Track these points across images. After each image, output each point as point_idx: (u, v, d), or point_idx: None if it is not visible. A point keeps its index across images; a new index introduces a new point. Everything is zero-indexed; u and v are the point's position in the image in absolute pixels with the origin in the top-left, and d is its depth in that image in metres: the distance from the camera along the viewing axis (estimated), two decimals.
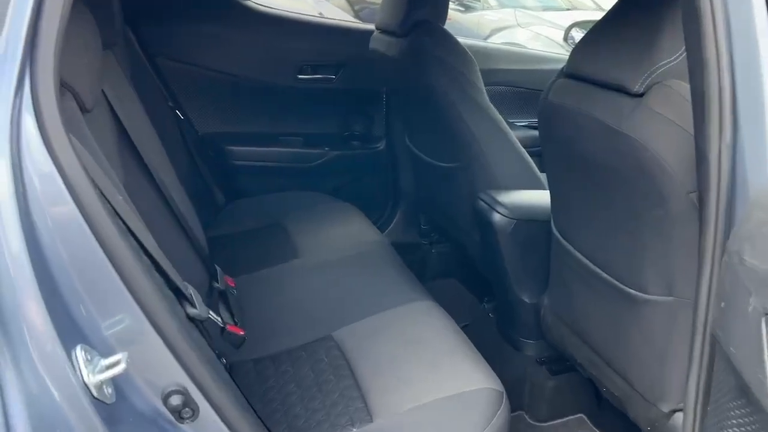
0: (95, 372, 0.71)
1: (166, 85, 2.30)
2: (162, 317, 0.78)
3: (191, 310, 0.90)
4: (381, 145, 2.62)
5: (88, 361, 0.71)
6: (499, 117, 1.95)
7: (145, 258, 0.85)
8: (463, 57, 1.89)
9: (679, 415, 1.31)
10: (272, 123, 2.53)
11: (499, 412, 1.28)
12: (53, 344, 0.68)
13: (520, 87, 2.69)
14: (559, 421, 1.90)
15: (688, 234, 1.18)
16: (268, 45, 2.42)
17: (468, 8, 6.80)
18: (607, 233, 1.40)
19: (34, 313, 0.67)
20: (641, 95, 1.20)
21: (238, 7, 2.39)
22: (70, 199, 0.71)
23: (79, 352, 0.70)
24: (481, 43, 3.24)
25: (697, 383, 1.10)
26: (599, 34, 1.36)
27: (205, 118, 2.45)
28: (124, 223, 0.84)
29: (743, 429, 0.89)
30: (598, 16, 1.39)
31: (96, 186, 0.79)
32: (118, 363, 0.72)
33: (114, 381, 0.74)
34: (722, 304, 0.94)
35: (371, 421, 1.27)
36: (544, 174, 2.04)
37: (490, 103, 1.93)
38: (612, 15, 1.34)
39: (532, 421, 1.91)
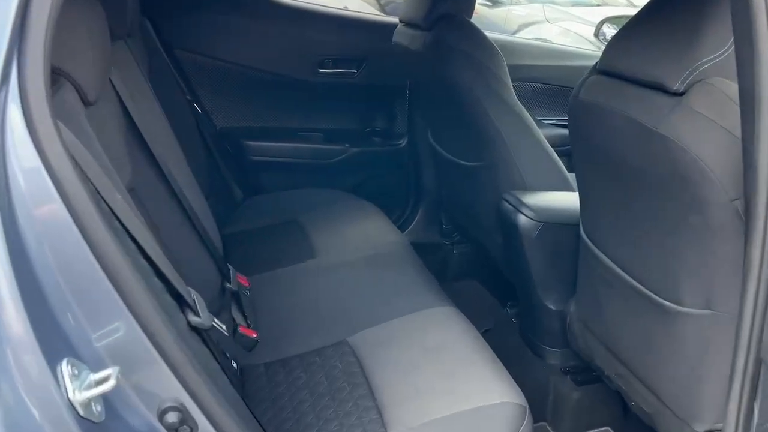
0: (82, 388, 0.65)
1: (184, 77, 2.25)
2: (159, 327, 0.72)
3: (193, 319, 0.84)
4: (403, 142, 2.55)
5: (75, 376, 0.65)
6: (527, 114, 1.87)
7: (143, 262, 0.79)
8: (490, 51, 1.81)
9: None
10: (292, 118, 2.48)
11: (521, 428, 1.21)
12: (35, 357, 0.62)
13: (548, 83, 2.60)
14: None
15: (729, 244, 1.10)
16: (288, 38, 2.36)
17: (495, 3, 6.68)
18: (640, 240, 1.32)
19: (14, 321, 0.61)
20: (681, 94, 1.11)
21: None
22: (57, 196, 0.65)
23: (65, 366, 0.64)
24: (508, 38, 3.15)
25: (738, 404, 1.02)
26: (636, 28, 1.28)
27: (224, 112, 2.40)
28: (122, 224, 0.78)
29: None
30: (631, 12, 1.32)
31: (90, 183, 0.73)
32: (108, 378, 0.66)
33: (104, 397, 0.68)
34: None
35: None
36: (573, 174, 1.96)
37: (517, 100, 1.85)
38: (649, 8, 1.26)
39: None
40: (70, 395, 0.63)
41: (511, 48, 2.54)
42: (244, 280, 1.75)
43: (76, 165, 0.71)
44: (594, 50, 3.42)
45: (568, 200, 1.74)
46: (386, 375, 1.35)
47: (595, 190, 1.46)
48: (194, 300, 0.89)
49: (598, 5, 6.35)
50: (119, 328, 0.70)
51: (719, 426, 1.19)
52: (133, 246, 0.79)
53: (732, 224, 1.08)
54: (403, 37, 2.04)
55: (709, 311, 1.20)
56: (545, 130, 2.45)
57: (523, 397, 1.31)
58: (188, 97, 2.21)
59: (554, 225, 1.70)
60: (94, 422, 0.66)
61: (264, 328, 1.59)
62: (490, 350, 1.45)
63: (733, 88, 1.02)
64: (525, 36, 5.40)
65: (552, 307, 1.77)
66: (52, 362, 0.64)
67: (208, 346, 0.91)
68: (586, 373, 1.79)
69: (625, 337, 1.45)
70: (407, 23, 2.05)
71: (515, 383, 1.34)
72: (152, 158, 1.30)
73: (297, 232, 2.05)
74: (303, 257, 1.89)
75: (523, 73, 2.52)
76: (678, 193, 1.15)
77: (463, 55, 1.78)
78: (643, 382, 1.40)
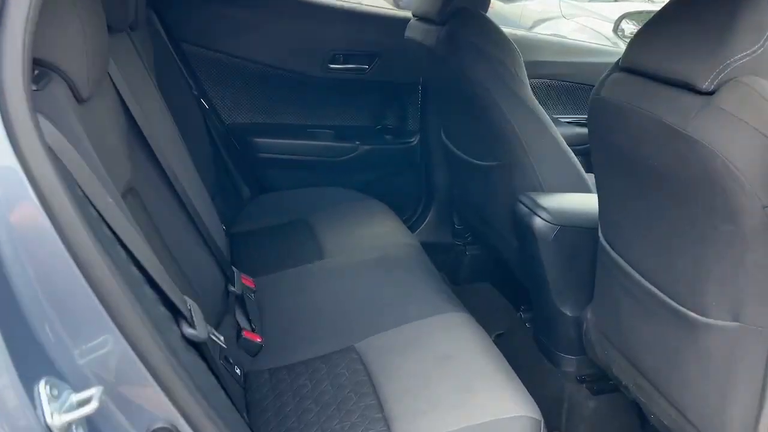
0: (62, 410, 0.60)
1: (191, 72, 2.20)
2: (148, 342, 0.66)
3: (188, 331, 0.79)
4: (415, 140, 2.49)
5: (54, 398, 0.60)
6: (543, 112, 1.80)
7: (135, 271, 0.74)
8: (506, 47, 1.74)
9: None
10: (301, 114, 2.43)
11: None
12: (9, 376, 0.57)
13: (565, 80, 2.53)
14: None
15: (761, 254, 1.03)
16: (298, 32, 2.31)
17: None
18: (663, 247, 1.25)
19: None
20: (711, 93, 1.04)
21: None
22: (35, 198, 0.60)
23: (43, 387, 0.59)
24: (525, 33, 3.08)
25: None
26: (662, 22, 1.20)
27: (232, 109, 2.35)
28: (112, 230, 0.73)
29: None
30: (650, 7, 1.25)
31: (76, 186, 0.68)
32: (91, 399, 0.61)
33: (88, 419, 0.63)
34: None
35: None
36: (591, 175, 1.89)
37: (533, 98, 1.79)
38: (676, 1, 1.19)
39: None
40: (48, 419, 0.58)
41: (528, 44, 2.47)
42: (249, 282, 1.70)
43: (60, 165, 0.65)
44: (612, 46, 3.35)
45: (586, 202, 1.68)
46: (395, 385, 1.29)
47: (616, 193, 1.39)
48: (190, 310, 0.83)
49: (616, 0, 6.23)
50: (104, 344, 0.64)
51: None
52: (123, 254, 0.74)
53: (764, 233, 1.01)
54: (416, 32, 1.98)
55: (737, 324, 1.13)
56: (562, 128, 2.39)
57: (537, 410, 1.25)
58: (195, 93, 2.16)
59: (571, 228, 1.63)
60: None
61: (269, 331, 1.54)
62: (504, 360, 1.39)
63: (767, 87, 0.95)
64: (541, 32, 5.31)
65: (568, 313, 1.70)
66: (29, 383, 0.58)
67: (204, 359, 0.86)
68: (602, 381, 1.73)
69: (645, 348, 1.38)
70: (420, 18, 1.98)
71: (529, 395, 1.29)
72: (153, 156, 1.25)
73: (305, 231, 2.00)
74: (311, 258, 1.84)
75: (540, 70, 2.46)
76: (706, 198, 1.08)
77: (477, 50, 1.71)
78: (665, 396, 1.33)
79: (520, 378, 1.39)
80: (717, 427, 1.19)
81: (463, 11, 1.79)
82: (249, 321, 1.49)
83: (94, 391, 0.61)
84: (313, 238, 1.95)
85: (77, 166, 0.71)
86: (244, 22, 2.26)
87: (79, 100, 0.88)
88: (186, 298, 0.85)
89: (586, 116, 2.59)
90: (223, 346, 0.88)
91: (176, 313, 0.80)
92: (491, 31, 1.76)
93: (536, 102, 1.80)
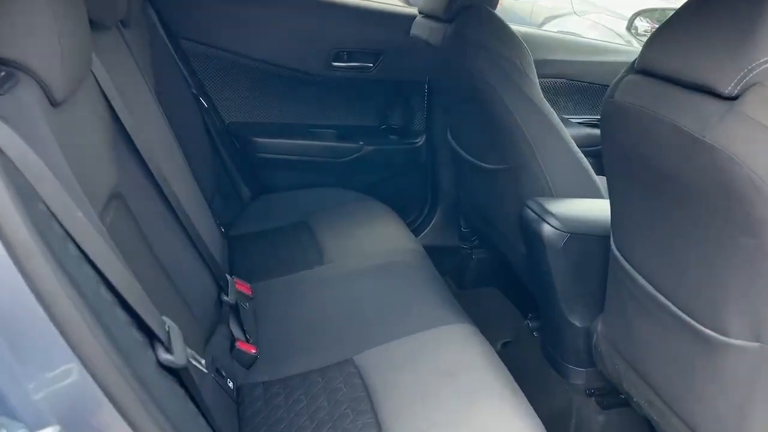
0: None
1: (190, 70, 2.14)
2: (113, 375, 0.60)
3: (165, 357, 0.73)
4: (420, 141, 2.42)
5: None
6: (554, 113, 1.73)
7: (104, 292, 0.68)
8: (515, 46, 1.67)
9: None
10: (303, 114, 2.36)
11: None
12: None
13: (577, 80, 2.45)
14: None
15: None
16: (301, 29, 2.24)
17: None
18: (679, 260, 1.18)
19: None
20: (734, 98, 0.97)
21: None
22: None
23: None
24: (536, 31, 3.00)
25: None
26: (681, 22, 1.13)
27: (232, 107, 2.29)
28: (79, 247, 0.67)
29: None
30: (666, 4, 1.17)
31: (38, 199, 0.62)
32: None
33: None
34: None
35: None
36: (603, 178, 1.82)
37: (543, 98, 1.71)
38: (695, 4, 1.11)
39: None
40: None
41: (538, 42, 2.40)
42: (246, 288, 1.64)
43: (18, 179, 0.59)
44: (625, 45, 3.26)
45: (597, 209, 1.61)
46: (394, 402, 1.23)
47: (630, 201, 1.32)
48: (168, 333, 0.77)
49: None
50: (63, 377, 0.58)
51: None
52: (92, 273, 0.67)
53: None
54: (421, 29, 1.91)
55: (758, 344, 1.06)
56: (573, 129, 2.32)
57: (542, 428, 1.19)
58: (194, 91, 2.10)
59: (582, 236, 1.56)
60: None
61: (265, 342, 1.48)
62: (508, 375, 1.32)
63: None
64: (551, 29, 5.22)
65: (577, 324, 1.64)
66: None
67: (184, 386, 0.79)
68: (612, 396, 1.66)
69: (659, 365, 1.31)
70: (426, 15, 1.91)
71: (534, 413, 1.23)
72: (142, 160, 1.19)
73: (306, 235, 1.94)
74: (311, 263, 1.78)
75: (550, 69, 2.38)
76: (727, 210, 1.01)
77: (485, 49, 1.64)
78: (679, 415, 1.26)
79: (526, 389, 1.33)
80: None
81: (470, 8, 1.71)
82: (243, 331, 1.43)
83: (50, 431, 0.55)
84: (314, 242, 1.89)
85: (42, 179, 0.65)
86: (246, 18, 2.19)
87: (53, 103, 0.82)
88: (165, 319, 0.79)
89: (597, 117, 2.52)
90: (204, 371, 0.82)
91: (152, 337, 0.74)
92: (500, 28, 1.69)
93: (546, 102, 1.72)
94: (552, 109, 1.73)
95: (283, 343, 1.47)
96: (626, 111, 1.20)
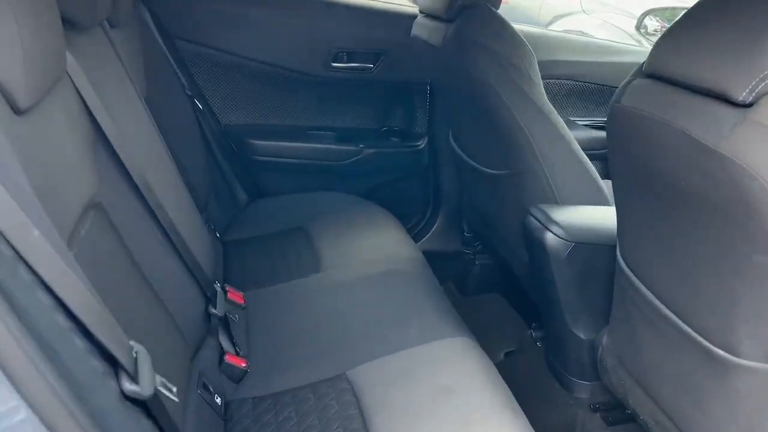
0: None
1: (185, 71, 2.08)
2: (63, 414, 0.55)
3: (129, 387, 0.67)
4: (422, 144, 2.36)
5: None
6: (558, 117, 1.67)
7: (61, 319, 0.62)
8: (518, 46, 1.61)
9: None
10: (302, 116, 2.31)
11: None
12: None
13: (584, 81, 2.38)
14: None
15: None
16: (299, 29, 2.18)
17: None
18: (689, 275, 1.12)
19: None
20: (748, 105, 0.91)
21: None
22: None
23: None
24: (542, 31, 2.93)
25: None
26: (691, 24, 1.06)
27: (228, 109, 2.24)
28: (34, 271, 0.61)
29: None
30: (676, 3, 1.10)
31: None
32: None
33: None
34: None
35: None
36: (608, 182, 1.76)
37: (547, 101, 1.65)
38: (708, 3, 1.04)
39: None
40: None
41: (545, 42, 2.33)
42: (238, 297, 1.59)
43: None
44: (635, 45, 3.19)
45: (603, 217, 1.54)
46: (387, 422, 1.17)
47: (637, 211, 1.25)
48: (135, 360, 0.72)
49: None
50: (8, 417, 0.53)
51: None
52: (47, 299, 0.62)
53: None
54: (422, 29, 1.85)
55: None
56: (579, 132, 2.26)
57: None
58: (188, 92, 2.04)
59: (587, 245, 1.50)
60: None
61: (256, 354, 1.42)
62: (508, 392, 1.26)
63: None
64: (560, 28, 5.15)
65: (581, 336, 1.57)
66: None
67: (152, 418, 0.74)
68: (618, 411, 1.60)
69: (667, 384, 1.25)
70: (427, 14, 1.85)
71: None
72: (124, 166, 1.13)
73: (302, 241, 1.89)
74: (306, 271, 1.73)
75: (556, 70, 2.31)
76: (739, 224, 0.95)
77: (486, 50, 1.58)
78: None
79: (528, 402, 1.27)
80: None
81: (472, 7, 1.65)
82: (233, 344, 1.38)
83: None
84: (311, 248, 1.84)
85: None
86: (243, 17, 2.14)
87: (16, 111, 0.77)
88: (133, 344, 0.73)
89: (604, 119, 2.45)
90: (175, 399, 0.77)
91: (117, 365, 0.68)
92: (501, 28, 1.62)
93: (550, 106, 1.66)
94: (556, 112, 1.67)
95: (274, 356, 1.41)
96: (633, 117, 1.13)
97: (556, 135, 1.66)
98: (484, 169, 1.81)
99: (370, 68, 2.26)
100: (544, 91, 1.65)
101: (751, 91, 0.89)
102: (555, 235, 1.50)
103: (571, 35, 3.05)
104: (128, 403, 0.68)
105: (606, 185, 1.70)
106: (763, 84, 0.88)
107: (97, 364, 0.65)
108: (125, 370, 0.68)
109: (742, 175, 0.89)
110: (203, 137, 2.11)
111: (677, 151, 1.02)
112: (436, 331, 1.41)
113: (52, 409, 0.54)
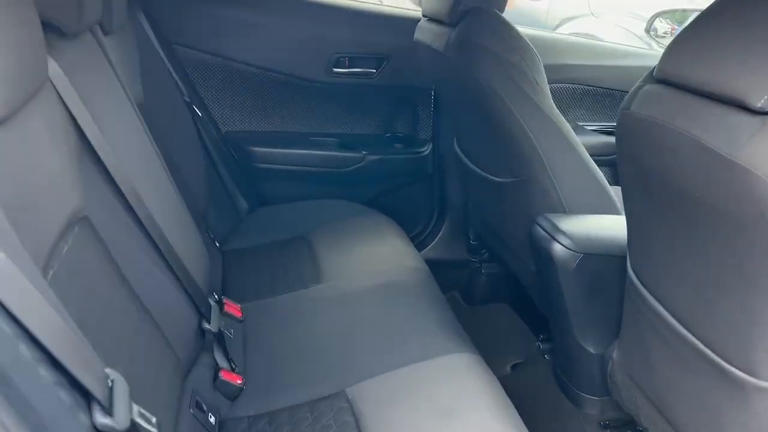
0: None
1: (184, 77, 2.04)
2: None
3: (101, 421, 0.63)
4: (426, 150, 2.32)
5: None
6: (565, 123, 1.61)
7: (25, 351, 0.58)
8: (523, 51, 1.55)
9: None
10: (303, 122, 2.26)
11: None
12: None
13: (592, 85, 2.33)
14: None
15: None
16: (299, 33, 2.14)
17: None
18: (705, 291, 1.06)
19: None
20: (767, 113, 0.85)
21: None
22: None
23: None
24: (549, 34, 2.88)
25: None
26: (704, 27, 1.01)
27: (228, 116, 2.20)
28: None
29: None
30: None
31: None
32: None
33: None
34: None
35: None
36: (617, 188, 1.71)
37: (554, 107, 1.60)
38: (721, 5, 0.99)
39: None
40: None
41: (552, 45, 2.28)
42: (236, 310, 1.54)
43: None
44: (645, 48, 3.13)
45: (613, 226, 1.49)
46: None
47: (648, 223, 1.20)
48: (111, 390, 0.67)
49: None
50: None
51: None
52: (11, 328, 0.57)
53: None
54: (425, 33, 1.80)
55: None
56: (587, 137, 2.20)
57: None
58: (186, 99, 2.00)
59: (596, 256, 1.45)
60: None
61: (253, 370, 1.38)
62: (515, 414, 1.21)
63: None
64: (567, 31, 5.09)
65: (591, 350, 1.52)
66: None
67: None
68: (628, 428, 1.54)
69: (680, 402, 1.20)
70: (430, 18, 1.81)
71: None
72: (112, 178, 1.09)
73: (304, 250, 1.84)
74: (307, 282, 1.68)
75: (563, 74, 2.26)
76: (757, 238, 0.89)
77: (490, 54, 1.53)
78: None
79: (535, 417, 1.23)
80: None
81: (475, 11, 1.60)
82: (229, 360, 1.33)
83: None
84: (312, 258, 1.79)
85: None
86: (242, 22, 2.10)
87: None
88: (110, 372, 0.69)
89: (613, 124, 2.39)
90: (154, 431, 0.72)
91: (88, 398, 0.64)
92: (507, 32, 1.57)
93: (557, 111, 1.61)
94: (563, 118, 1.62)
95: (272, 372, 1.37)
96: (644, 124, 1.08)
97: (563, 141, 1.60)
98: (490, 176, 1.76)
99: (373, 73, 2.22)
100: (550, 96, 1.60)
101: None
102: (563, 245, 1.45)
103: (578, 38, 3.00)
104: None
105: (615, 192, 1.64)
106: None
107: (66, 397, 0.60)
108: (98, 402, 0.64)
109: (759, 186, 0.84)
110: (202, 145, 2.07)
111: (691, 161, 0.97)
112: (439, 347, 1.35)
113: None
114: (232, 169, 2.18)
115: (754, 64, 0.87)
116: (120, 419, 0.65)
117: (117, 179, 1.09)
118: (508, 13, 1.72)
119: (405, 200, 2.37)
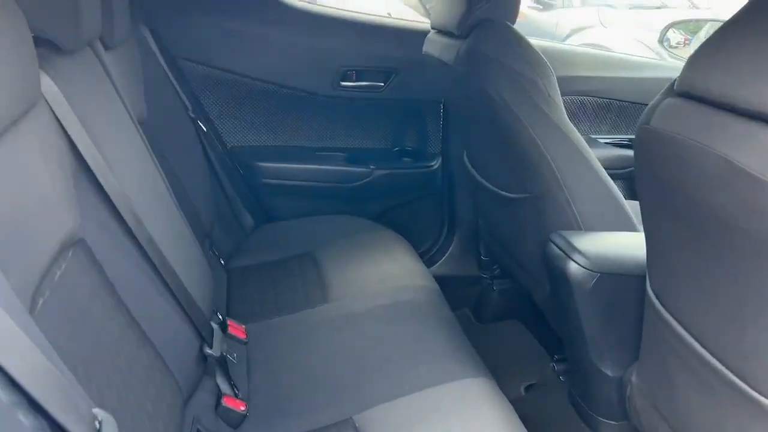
0: None
1: (189, 91, 2.01)
2: None
3: None
4: (436, 164, 2.27)
5: None
6: (580, 137, 1.56)
7: (4, 395, 0.53)
8: (537, 64, 1.51)
9: None
10: (310, 137, 2.22)
11: None
12: None
13: (604, 97, 2.28)
14: None
15: None
16: (307, 47, 2.11)
17: (546, 6, 6.33)
18: (731, 316, 1.00)
19: None
20: None
21: (273, 3, 2.08)
22: None
23: None
24: (559, 46, 2.84)
25: None
26: (731, 37, 0.96)
27: (234, 131, 2.16)
28: None
29: None
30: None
31: None
32: None
33: None
34: None
35: None
36: (633, 203, 1.65)
37: (568, 121, 1.55)
38: (749, 11, 0.94)
39: None
40: None
41: (563, 57, 2.24)
42: (240, 332, 1.50)
43: None
44: (656, 59, 3.08)
45: (631, 244, 1.43)
46: None
47: (671, 243, 1.14)
48: (99, 430, 0.62)
49: (658, 8, 5.92)
50: None
51: None
52: None
53: None
54: (434, 46, 1.76)
55: None
56: (600, 150, 2.15)
57: None
58: (191, 115, 1.97)
59: (613, 276, 1.39)
60: None
61: (257, 396, 1.33)
62: None
63: None
64: (577, 42, 5.06)
65: (608, 373, 1.46)
66: None
67: None
68: None
69: (705, 431, 1.13)
70: (439, 30, 1.76)
71: None
72: (109, 198, 1.05)
73: (311, 268, 1.80)
74: (314, 302, 1.63)
75: (576, 86, 2.22)
76: None
77: (502, 67, 1.48)
78: None
79: None
80: None
81: (486, 23, 1.56)
82: (232, 385, 1.28)
83: None
84: (319, 276, 1.75)
85: None
86: (248, 35, 2.07)
87: None
88: (98, 412, 0.64)
89: (625, 136, 2.34)
90: None
91: None
92: (519, 44, 1.53)
93: (571, 125, 1.56)
94: (578, 133, 1.56)
95: (276, 398, 1.32)
96: (666, 140, 1.02)
97: (577, 155, 1.55)
98: (501, 192, 1.71)
99: (381, 87, 2.18)
100: (564, 110, 1.55)
101: None
102: (579, 265, 1.39)
103: (589, 49, 2.95)
104: None
105: (630, 207, 1.59)
106: None
107: None
108: None
109: None
110: (207, 160, 2.03)
111: (717, 179, 0.91)
112: (450, 372, 1.30)
113: None
114: (237, 184, 2.14)
115: None
116: None
117: (114, 199, 1.05)
118: (518, 25, 1.68)
119: (414, 215, 2.32)
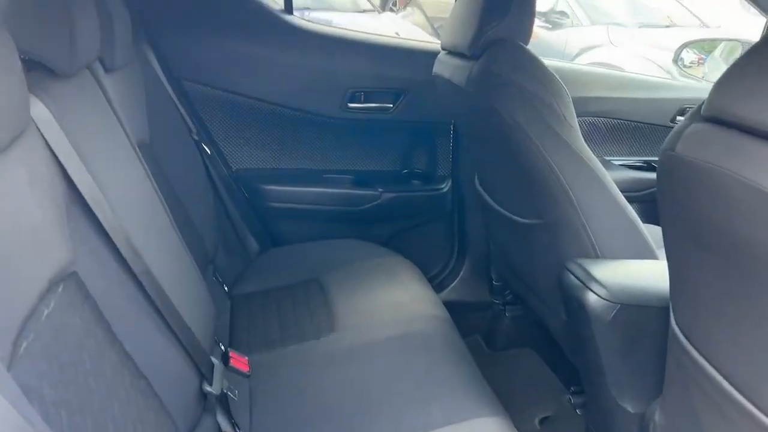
0: None
1: (192, 114, 1.97)
2: None
3: None
4: (446, 187, 2.22)
5: None
6: (596, 161, 1.50)
7: None
8: (552, 85, 1.46)
9: None
10: (317, 159, 2.18)
11: None
12: None
13: (620, 118, 2.22)
14: None
15: None
16: (313, 68, 2.07)
17: (556, 25, 6.30)
18: (761, 353, 0.93)
19: None
20: None
21: (278, 24, 2.04)
22: None
23: None
24: (570, 65, 2.79)
25: None
26: (760, 60, 0.90)
27: (239, 153, 2.12)
28: None
29: None
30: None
31: None
32: None
33: None
34: None
35: None
36: (651, 226, 1.58)
37: (584, 144, 1.49)
38: None
39: None
40: None
41: (575, 77, 2.19)
42: (243, 364, 1.44)
43: None
44: (668, 78, 3.02)
45: (652, 273, 1.37)
46: None
47: (697, 274, 1.08)
48: None
49: (668, 26, 5.88)
50: None
51: None
52: None
53: None
54: (444, 68, 1.71)
55: None
56: (615, 173, 2.09)
57: None
58: (195, 137, 1.92)
59: (635, 307, 1.32)
60: None
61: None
62: None
63: None
64: (587, 61, 5.02)
65: (629, 410, 1.39)
66: None
67: None
68: None
69: None
70: (450, 51, 1.72)
71: None
72: (103, 228, 1.00)
73: (317, 295, 1.74)
74: (319, 332, 1.57)
75: (589, 107, 2.17)
76: None
77: (516, 88, 1.43)
78: None
79: None
80: None
81: (499, 43, 1.51)
82: (233, 424, 1.22)
83: None
84: (325, 304, 1.69)
85: None
86: (253, 56, 2.03)
87: None
88: None
89: (639, 158, 2.28)
90: None
91: None
92: (533, 65, 1.48)
93: (587, 148, 1.50)
94: (594, 157, 1.51)
95: None
96: (692, 167, 0.96)
97: (594, 180, 1.49)
98: (514, 217, 1.65)
99: (390, 108, 2.14)
100: (580, 133, 1.50)
101: None
102: (598, 295, 1.33)
103: (601, 69, 2.90)
104: None
105: (648, 231, 1.53)
106: None
107: None
108: None
109: None
110: (212, 183, 1.99)
111: (748, 210, 0.85)
112: (463, 410, 1.24)
113: None
114: (242, 208, 2.10)
115: None
116: None
117: (110, 230, 0.99)
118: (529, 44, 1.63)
119: (423, 239, 2.27)
